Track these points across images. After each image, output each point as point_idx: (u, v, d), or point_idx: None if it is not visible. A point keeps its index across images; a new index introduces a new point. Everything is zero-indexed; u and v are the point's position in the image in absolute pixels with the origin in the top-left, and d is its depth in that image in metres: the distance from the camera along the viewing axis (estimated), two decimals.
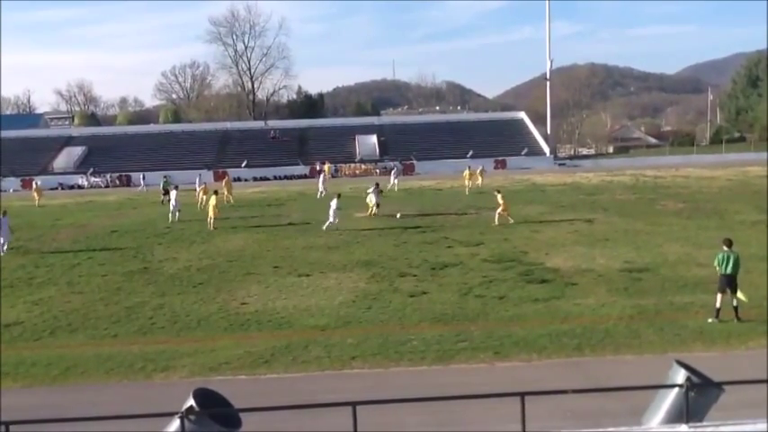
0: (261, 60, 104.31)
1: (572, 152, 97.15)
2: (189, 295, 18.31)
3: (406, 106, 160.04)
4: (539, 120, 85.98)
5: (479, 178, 45.78)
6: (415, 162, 69.37)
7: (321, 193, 42.35)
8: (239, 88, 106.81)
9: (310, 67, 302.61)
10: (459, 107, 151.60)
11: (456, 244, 24.37)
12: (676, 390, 5.04)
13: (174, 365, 12.88)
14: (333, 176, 63.09)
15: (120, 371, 12.74)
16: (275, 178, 67.40)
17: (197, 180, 48.67)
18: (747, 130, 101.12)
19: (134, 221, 34.68)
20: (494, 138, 77.00)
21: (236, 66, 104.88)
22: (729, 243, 14.84)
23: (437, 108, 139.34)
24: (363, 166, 70.19)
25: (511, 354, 12.86)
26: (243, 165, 69.59)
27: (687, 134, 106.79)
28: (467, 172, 45.38)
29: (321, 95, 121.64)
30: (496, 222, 28.45)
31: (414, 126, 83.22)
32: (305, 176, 67.27)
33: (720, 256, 14.64)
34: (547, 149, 76.74)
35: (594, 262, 20.63)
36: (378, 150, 74.69)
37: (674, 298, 16.25)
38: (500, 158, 70.36)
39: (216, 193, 32.76)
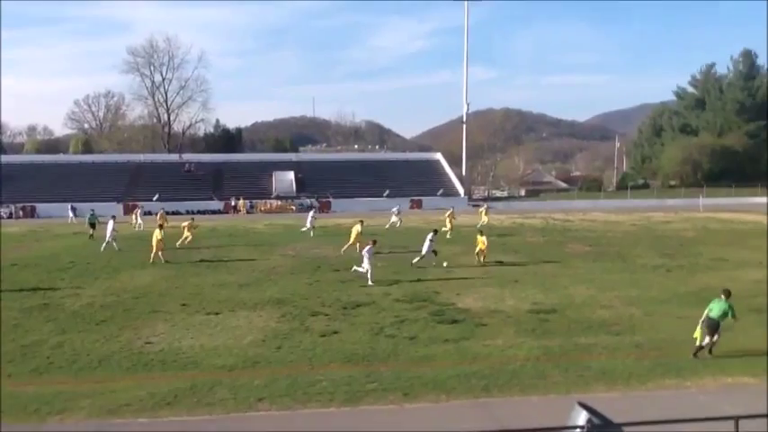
0: (178, 93, 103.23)
1: (486, 194, 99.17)
2: (91, 333, 17.57)
3: (324, 144, 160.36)
4: (454, 161, 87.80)
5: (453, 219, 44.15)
6: (331, 200, 69.43)
7: (310, 229, 41.99)
8: (155, 120, 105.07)
9: (229, 101, 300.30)
10: (377, 146, 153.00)
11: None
12: (578, 431, 5.13)
13: (70, 407, 12.27)
14: (248, 212, 62.43)
15: (11, 413, 12.04)
16: (188, 213, 65.90)
17: (138, 212, 49.22)
18: (651, 177, 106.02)
19: (36, 254, 33.29)
20: (410, 178, 78.07)
21: (153, 97, 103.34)
22: (728, 294, 15.61)
23: (356, 146, 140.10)
24: (279, 203, 69.74)
25: (420, 395, 12.83)
26: (154, 198, 67.98)
27: (595, 179, 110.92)
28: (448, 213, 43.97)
29: (239, 130, 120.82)
30: (482, 261, 28.79)
31: (332, 164, 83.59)
32: (219, 212, 66.29)
33: (715, 302, 15.46)
34: (462, 190, 78.25)
35: (504, 303, 20.97)
36: (295, 187, 74.48)
37: (579, 339, 16.64)
38: (416, 198, 71.22)
39: (161, 227, 32.27)
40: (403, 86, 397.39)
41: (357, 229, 33.49)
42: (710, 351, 15.16)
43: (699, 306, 20.36)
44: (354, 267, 25.32)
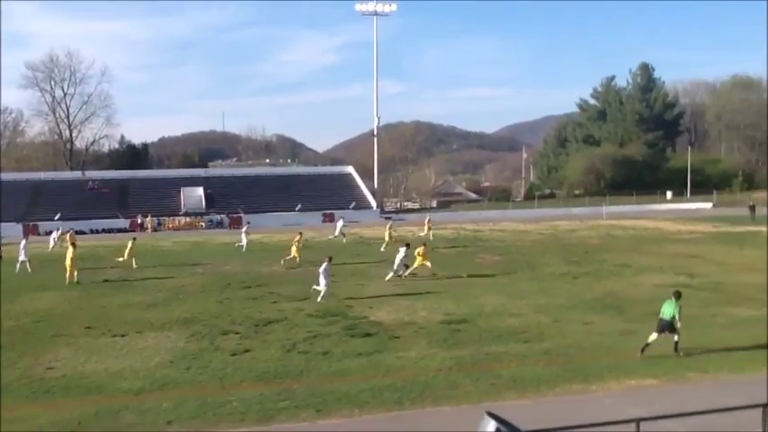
0: (81, 108, 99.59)
1: (398, 206, 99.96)
2: None
3: (235, 158, 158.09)
4: (366, 174, 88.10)
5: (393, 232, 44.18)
6: (242, 215, 68.43)
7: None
8: (56, 136, 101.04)
9: (135, 117, 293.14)
10: (289, 160, 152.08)
11: (281, 299, 24.11)
12: None
13: None
14: (155, 230, 60.85)
15: None
16: (92, 232, 63.77)
17: (56, 232, 46.84)
18: (557, 186, 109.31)
19: None
20: (322, 191, 77.84)
21: (54, 113, 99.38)
22: (678, 295, 16.27)
23: (267, 161, 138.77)
24: (188, 220, 68.29)
25: (333, 410, 12.72)
26: (56, 217, 65.25)
27: (504, 190, 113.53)
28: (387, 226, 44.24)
29: (145, 145, 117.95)
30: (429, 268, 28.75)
31: (242, 179, 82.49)
32: (125, 230, 64.25)
33: (667, 303, 16.17)
34: (374, 203, 78.61)
35: (417, 314, 21.10)
36: (204, 203, 73.11)
37: (490, 348, 16.89)
38: (328, 212, 71.04)
39: (74, 245, 31.15)
40: (314, 100, 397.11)
41: (296, 240, 34.25)
42: (676, 350, 15.88)
43: (603, 312, 21.18)
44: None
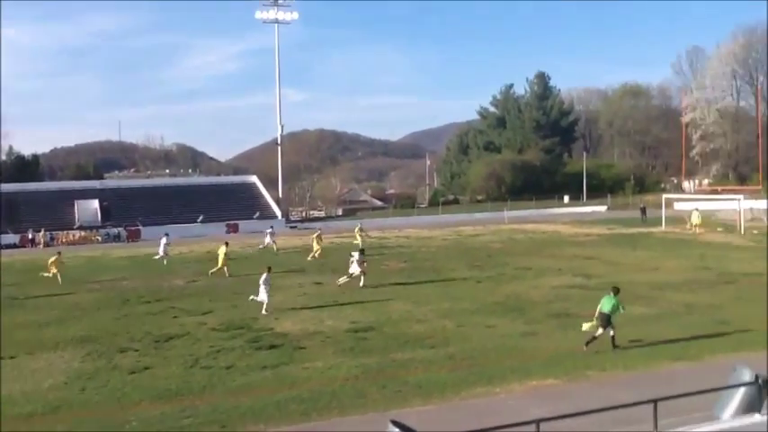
0: None
1: (303, 215, 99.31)
2: None
3: (132, 169, 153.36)
4: (271, 183, 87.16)
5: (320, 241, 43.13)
6: (141, 228, 66.36)
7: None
8: None
9: (24, 127, 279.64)
10: (190, 170, 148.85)
11: (183, 314, 23.44)
12: None
13: None
14: (48, 245, 58.24)
15: None
16: None
17: None
18: (460, 192, 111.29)
19: None
20: (225, 201, 76.40)
21: None
22: (617, 291, 17.05)
23: (167, 171, 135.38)
24: (83, 234, 65.65)
25: (238, 426, 12.43)
26: None
27: (408, 197, 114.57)
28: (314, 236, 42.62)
29: (36, 157, 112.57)
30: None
31: (140, 190, 79.92)
32: (15, 246, 61.13)
33: (605, 299, 16.85)
34: (279, 212, 77.83)
35: (323, 324, 20.95)
36: (100, 216, 70.37)
37: (396, 355, 16.93)
38: (232, 222, 69.83)
39: None
40: (216, 108, 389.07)
41: (223, 251, 33.04)
42: (613, 344, 16.58)
43: (506, 315, 21.61)
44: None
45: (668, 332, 17.42)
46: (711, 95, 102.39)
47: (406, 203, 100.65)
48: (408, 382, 14.66)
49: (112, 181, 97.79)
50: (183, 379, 15.48)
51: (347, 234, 55.99)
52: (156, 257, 39.87)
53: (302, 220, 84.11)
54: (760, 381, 6.39)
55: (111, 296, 28.22)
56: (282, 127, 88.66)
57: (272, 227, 51.93)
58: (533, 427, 7.57)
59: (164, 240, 40.64)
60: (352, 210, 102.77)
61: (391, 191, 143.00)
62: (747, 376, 6.53)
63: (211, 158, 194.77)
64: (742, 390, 6.51)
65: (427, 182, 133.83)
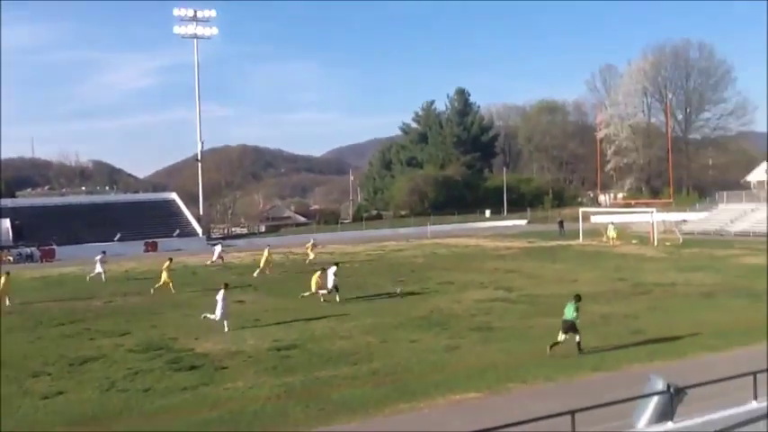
0: None
1: (225, 232, 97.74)
2: None
3: (46, 186, 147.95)
4: (191, 200, 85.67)
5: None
6: (55, 247, 64.05)
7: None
8: None
9: None
10: (107, 187, 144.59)
11: (99, 335, 22.64)
12: None
13: None
14: None
15: None
16: None
17: None
18: (384, 207, 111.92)
19: None
20: (144, 219, 74.55)
21: None
22: (578, 298, 17.99)
23: (83, 188, 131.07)
24: None
25: None
26: None
27: (332, 212, 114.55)
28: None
29: None
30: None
31: (55, 208, 77.14)
32: None
33: (568, 306, 17.72)
34: (200, 230, 76.44)
35: (245, 343, 20.58)
36: (11, 235, 67.56)
37: (320, 372, 16.77)
38: (151, 241, 68.20)
39: None
40: (133, 124, 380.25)
41: (166, 266, 32.97)
42: (579, 349, 17.34)
43: (429, 329, 21.73)
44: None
45: (586, 343, 17.83)
46: (624, 112, 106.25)
47: (329, 219, 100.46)
48: (332, 399, 14.54)
49: (25, 199, 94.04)
50: (98, 403, 14.93)
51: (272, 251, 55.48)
52: (93, 275, 38.67)
53: (224, 238, 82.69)
54: (671, 390, 6.62)
55: (23, 318, 27.02)
56: (203, 143, 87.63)
57: (220, 243, 50.90)
58: None
59: (99, 257, 39.93)
60: (276, 226, 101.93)
61: (315, 207, 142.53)
62: (660, 385, 6.75)
63: (129, 175, 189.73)
64: (655, 398, 6.72)
65: (351, 197, 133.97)
